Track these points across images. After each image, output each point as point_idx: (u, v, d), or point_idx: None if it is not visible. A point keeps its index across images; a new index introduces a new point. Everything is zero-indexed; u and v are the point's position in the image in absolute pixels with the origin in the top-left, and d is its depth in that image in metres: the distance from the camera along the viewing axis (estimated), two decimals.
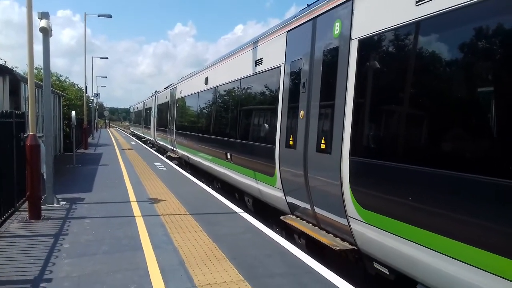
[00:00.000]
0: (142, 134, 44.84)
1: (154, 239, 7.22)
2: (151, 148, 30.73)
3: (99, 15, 33.07)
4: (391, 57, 5.47)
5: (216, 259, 6.26)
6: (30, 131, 8.78)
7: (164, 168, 17.60)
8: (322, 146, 6.63)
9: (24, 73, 15.91)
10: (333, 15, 6.60)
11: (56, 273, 5.67)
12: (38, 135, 9.02)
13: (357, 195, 5.72)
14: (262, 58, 9.72)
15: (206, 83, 15.19)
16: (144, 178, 14.57)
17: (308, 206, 7.35)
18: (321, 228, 7.15)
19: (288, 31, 8.32)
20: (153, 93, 36.88)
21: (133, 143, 37.26)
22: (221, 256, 6.42)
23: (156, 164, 19.17)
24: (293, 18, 8.26)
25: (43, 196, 9.34)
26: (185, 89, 19.58)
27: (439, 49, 4.65)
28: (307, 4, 7.85)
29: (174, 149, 22.01)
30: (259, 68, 9.83)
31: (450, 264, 4.23)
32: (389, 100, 5.42)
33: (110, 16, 33.06)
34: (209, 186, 13.51)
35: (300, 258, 6.42)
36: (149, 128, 36.16)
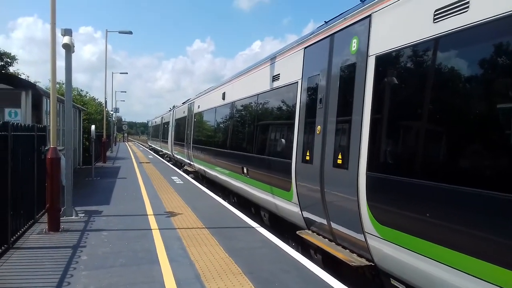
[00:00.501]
0: (159, 148, 45.27)
1: (170, 253, 7.24)
2: (168, 162, 30.96)
3: (120, 32, 33.65)
4: (408, 74, 5.48)
5: (232, 274, 6.24)
6: (51, 144, 8.95)
7: (181, 182, 17.70)
8: (339, 161, 6.62)
9: (46, 88, 16.28)
10: (350, 32, 6.66)
11: (73, 285, 5.72)
12: (58, 148, 9.18)
13: (374, 211, 5.68)
14: (279, 74, 9.81)
15: (223, 98, 15.32)
16: (161, 191, 14.67)
17: (324, 221, 7.31)
18: (338, 244, 7.10)
19: (306, 47, 8.39)
20: (171, 107, 37.25)
21: (150, 157, 37.60)
22: (237, 270, 6.40)
23: (173, 177, 19.29)
24: (310, 35, 8.35)
25: (62, 208, 9.46)
26: (203, 104, 19.77)
27: (456, 65, 4.65)
28: (325, 21, 7.96)
29: (191, 163, 22.14)
30: (276, 84, 9.91)
31: (468, 281, 4.16)
32: (406, 116, 5.41)
33: (130, 33, 33.63)
34: (225, 200, 13.52)
35: (317, 274, 6.36)
36: (166, 142, 36.48)
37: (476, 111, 4.42)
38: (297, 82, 8.59)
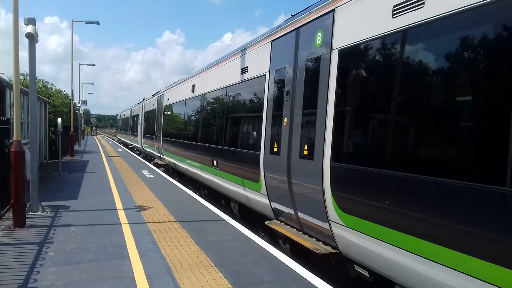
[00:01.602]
0: (129, 141, 44.58)
1: (140, 247, 7.18)
2: (138, 155, 30.55)
3: (87, 22, 32.86)
4: (369, 67, 5.67)
5: (204, 267, 6.23)
6: (14, 137, 8.69)
7: (152, 176, 17.52)
8: (305, 152, 6.80)
9: (9, 79, 15.73)
10: (315, 25, 6.81)
11: (40, 281, 5.61)
12: (23, 141, 8.91)
13: (338, 199, 5.89)
14: (247, 67, 9.89)
15: (193, 91, 15.27)
16: (131, 185, 14.48)
17: (291, 211, 7.49)
18: (305, 233, 7.29)
19: (273, 40, 8.50)
20: (141, 100, 36.71)
21: (120, 150, 37.00)
22: (208, 263, 6.39)
23: (143, 171, 19.07)
24: (277, 28, 8.45)
25: (28, 204, 9.23)
26: (172, 97, 19.61)
27: (414, 59, 4.87)
28: (291, 15, 8.10)
29: (161, 156, 21.95)
30: (245, 76, 9.98)
31: (425, 265, 4.39)
32: (368, 108, 5.62)
33: (97, 23, 32.89)
34: (196, 193, 13.48)
35: (288, 265, 6.43)
36: (136, 135, 35.97)
37: (432, 103, 4.64)
38: (265, 74, 8.70)
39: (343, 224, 5.82)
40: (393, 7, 4.95)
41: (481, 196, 3.77)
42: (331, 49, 6.21)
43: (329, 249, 6.43)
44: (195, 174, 14.71)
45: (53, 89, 33.91)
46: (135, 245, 7.27)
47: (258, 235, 8.46)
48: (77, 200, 11.55)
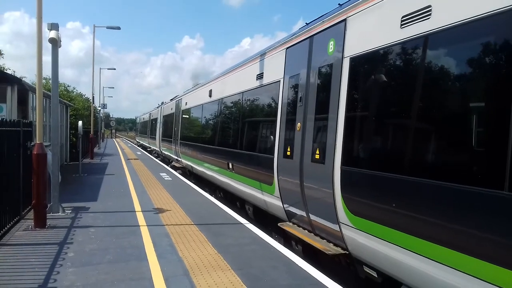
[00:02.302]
0: (147, 144, 45.08)
1: (158, 249, 7.22)
2: (156, 158, 30.81)
3: (108, 27, 33.33)
4: (378, 75, 5.77)
5: (221, 270, 6.24)
6: (37, 140, 8.85)
7: (170, 178, 17.66)
8: (317, 156, 6.95)
9: (32, 83, 16.06)
10: (328, 34, 6.97)
11: (60, 281, 5.66)
12: (45, 144, 9.08)
13: (347, 202, 6.02)
14: (263, 73, 10.08)
15: (210, 96, 15.51)
16: (149, 188, 14.64)
17: (304, 213, 7.62)
18: (316, 234, 7.43)
19: (287, 48, 8.68)
20: (159, 104, 37.10)
21: (138, 153, 37.40)
22: (226, 266, 6.40)
23: (161, 174, 19.24)
24: (292, 36, 8.63)
25: (48, 205, 9.38)
26: (190, 101, 19.86)
27: (421, 66, 4.98)
28: (306, 23, 8.28)
29: (179, 159, 22.16)
30: (260, 82, 10.18)
31: (431, 266, 4.48)
32: (376, 114, 5.74)
33: (118, 28, 33.33)
34: (212, 195, 13.55)
35: (305, 269, 6.38)
36: (154, 139, 36.35)
37: (437, 109, 4.74)
38: (280, 80, 8.86)
39: (353, 226, 5.94)
40: (402, 18, 5.09)
41: (487, 199, 3.84)
42: (342, 57, 6.35)
43: (339, 250, 6.56)
44: (211, 177, 14.89)
45: (75, 93, 34.55)
46: (153, 247, 7.33)
47: (271, 236, 8.58)
48: (96, 202, 11.73)
